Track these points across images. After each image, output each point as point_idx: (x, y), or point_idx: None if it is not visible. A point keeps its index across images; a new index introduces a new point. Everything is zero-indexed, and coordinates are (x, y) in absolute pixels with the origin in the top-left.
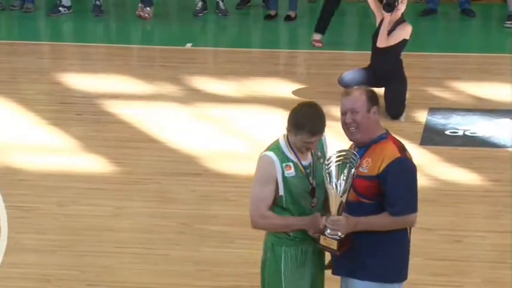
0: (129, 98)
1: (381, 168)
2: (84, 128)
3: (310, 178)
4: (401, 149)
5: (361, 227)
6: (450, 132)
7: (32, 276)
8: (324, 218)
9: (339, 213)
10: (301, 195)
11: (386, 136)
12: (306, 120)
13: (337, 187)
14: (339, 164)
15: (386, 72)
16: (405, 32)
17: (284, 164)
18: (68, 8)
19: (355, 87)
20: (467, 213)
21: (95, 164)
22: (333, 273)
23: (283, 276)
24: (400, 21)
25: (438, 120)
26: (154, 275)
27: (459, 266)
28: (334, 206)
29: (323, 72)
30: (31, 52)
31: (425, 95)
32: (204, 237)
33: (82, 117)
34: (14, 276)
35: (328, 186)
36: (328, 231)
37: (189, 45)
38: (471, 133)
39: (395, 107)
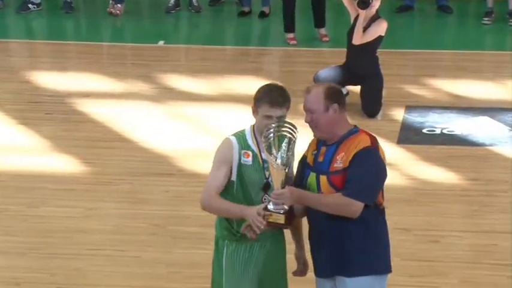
0: (100, 97)
1: (350, 157)
2: (54, 128)
3: (267, 173)
4: (374, 141)
5: (306, 201)
6: (427, 131)
7: (1, 280)
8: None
9: (282, 187)
10: (252, 186)
11: (357, 130)
12: (264, 93)
13: (277, 159)
14: (278, 136)
15: (362, 70)
16: (380, 28)
17: (243, 151)
18: (38, 4)
19: (315, 84)
20: (444, 212)
21: (66, 164)
22: (317, 275)
23: (224, 271)
24: (375, 18)
25: (415, 118)
26: (126, 278)
27: (436, 267)
28: (277, 179)
29: (298, 70)
30: (0, 50)
31: (402, 93)
32: (176, 238)
33: (52, 116)
34: None
35: (270, 157)
36: (272, 206)
37: (161, 42)
38: (448, 131)
39: (372, 105)
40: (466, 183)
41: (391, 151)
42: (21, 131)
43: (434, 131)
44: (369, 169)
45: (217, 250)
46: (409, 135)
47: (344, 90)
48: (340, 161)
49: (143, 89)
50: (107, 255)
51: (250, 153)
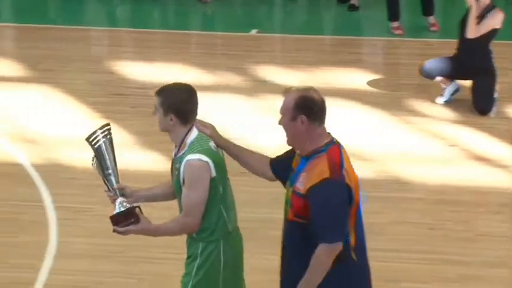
0: None
1: (308, 188)
2: (139, 122)
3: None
4: (335, 166)
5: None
6: None
7: (84, 284)
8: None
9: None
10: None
11: (324, 149)
12: None
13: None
14: (108, 139)
15: (474, 63)
16: (496, 20)
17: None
18: None
19: (294, 88)
20: None
21: (152, 162)
22: None
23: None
24: (490, 8)
25: None
26: None
27: None
28: (117, 179)
29: (403, 62)
30: (82, 38)
31: None
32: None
33: (137, 110)
34: (64, 283)
35: (108, 163)
36: (121, 208)
37: (254, 31)
38: None
39: (484, 102)
40: None
41: (504, 151)
42: None
43: None
44: (329, 207)
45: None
46: None
47: (454, 86)
48: (302, 182)
49: (234, 81)
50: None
51: None
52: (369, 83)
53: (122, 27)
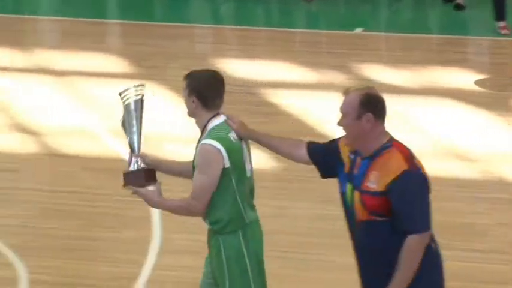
0: (291, 87)
1: (387, 183)
2: (242, 119)
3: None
4: (409, 157)
5: None
6: None
7: (187, 280)
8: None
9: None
10: None
11: (390, 144)
12: None
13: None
14: (140, 99)
15: None
16: None
17: None
18: None
19: (353, 88)
20: None
21: (256, 160)
22: None
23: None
24: None
25: None
26: (312, 283)
27: None
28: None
29: (509, 62)
30: (187, 36)
31: None
32: None
33: (240, 107)
34: (167, 279)
35: (134, 121)
36: (135, 166)
37: (358, 30)
38: None
39: None
40: None
41: None
42: None
43: None
44: (413, 198)
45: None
46: None
47: None
48: (374, 181)
49: (338, 79)
50: (299, 259)
51: None
52: (475, 83)
53: (226, 24)
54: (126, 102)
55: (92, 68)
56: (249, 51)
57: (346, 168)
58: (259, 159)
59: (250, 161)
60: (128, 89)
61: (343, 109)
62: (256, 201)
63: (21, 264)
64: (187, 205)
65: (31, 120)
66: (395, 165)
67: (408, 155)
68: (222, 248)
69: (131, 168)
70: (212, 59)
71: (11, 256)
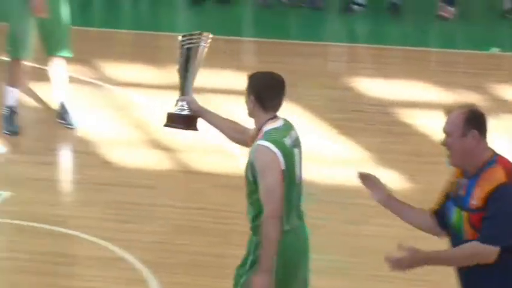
0: (426, 107)
1: (482, 197)
2: (375, 139)
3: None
4: (511, 172)
5: (435, 261)
6: None
7: None
8: None
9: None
10: None
11: (495, 160)
12: None
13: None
14: (201, 46)
15: None
16: None
17: None
18: (362, 5)
19: (456, 107)
20: None
21: (388, 180)
22: None
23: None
24: None
25: None
26: None
27: None
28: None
29: None
30: (320, 54)
31: None
32: None
33: (373, 127)
34: None
35: (190, 66)
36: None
37: (495, 49)
38: None
39: None
40: None
41: None
42: (341, 141)
43: None
44: (504, 210)
45: None
46: None
47: None
48: (476, 198)
49: (473, 99)
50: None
51: None
52: None
53: (360, 43)
54: (186, 46)
55: (227, 86)
56: (383, 70)
57: (453, 195)
58: None
59: (301, 168)
60: (193, 34)
61: (448, 128)
62: None
63: (154, 281)
64: (267, 213)
65: (166, 136)
66: (492, 179)
67: (510, 170)
68: (252, 251)
69: (176, 111)
70: (346, 78)
71: (145, 272)
